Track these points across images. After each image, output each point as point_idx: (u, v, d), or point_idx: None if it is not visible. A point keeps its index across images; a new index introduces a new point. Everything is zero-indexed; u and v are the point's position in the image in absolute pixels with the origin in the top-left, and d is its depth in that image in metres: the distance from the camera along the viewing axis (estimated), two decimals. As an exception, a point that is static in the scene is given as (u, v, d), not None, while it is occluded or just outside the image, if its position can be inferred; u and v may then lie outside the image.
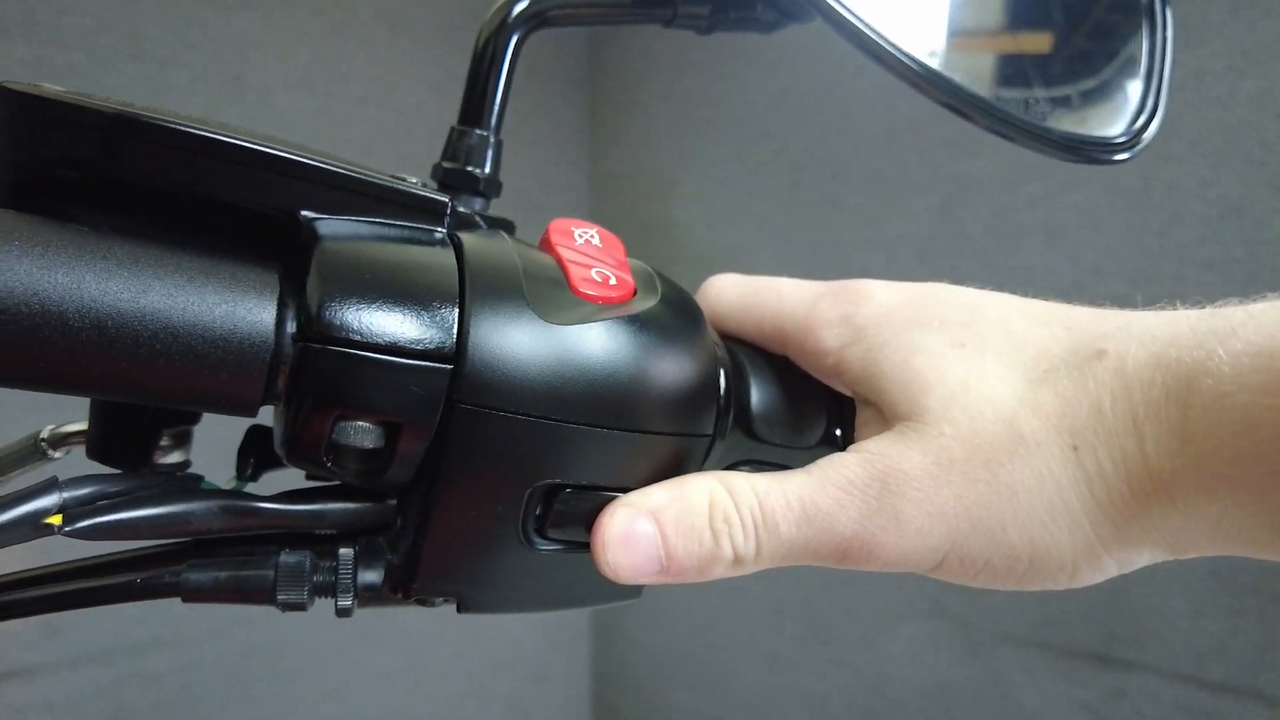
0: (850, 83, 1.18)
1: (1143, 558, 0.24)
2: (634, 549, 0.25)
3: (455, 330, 0.23)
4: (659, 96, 1.43)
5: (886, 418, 0.26)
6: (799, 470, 0.26)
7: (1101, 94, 0.36)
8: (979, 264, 1.06)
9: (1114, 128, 0.35)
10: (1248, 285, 0.87)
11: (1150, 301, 0.83)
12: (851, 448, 0.26)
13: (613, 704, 1.51)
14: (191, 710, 1.04)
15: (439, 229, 0.26)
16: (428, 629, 1.26)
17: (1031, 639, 1.02)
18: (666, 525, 0.25)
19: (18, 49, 0.92)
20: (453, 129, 0.35)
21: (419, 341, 0.23)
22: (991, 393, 0.24)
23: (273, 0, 1.11)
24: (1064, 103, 0.36)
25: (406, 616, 1.24)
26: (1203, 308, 0.24)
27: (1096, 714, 0.98)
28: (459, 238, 0.26)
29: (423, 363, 0.23)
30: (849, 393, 0.29)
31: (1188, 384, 0.21)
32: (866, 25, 0.30)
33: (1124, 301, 0.91)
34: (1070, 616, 0.99)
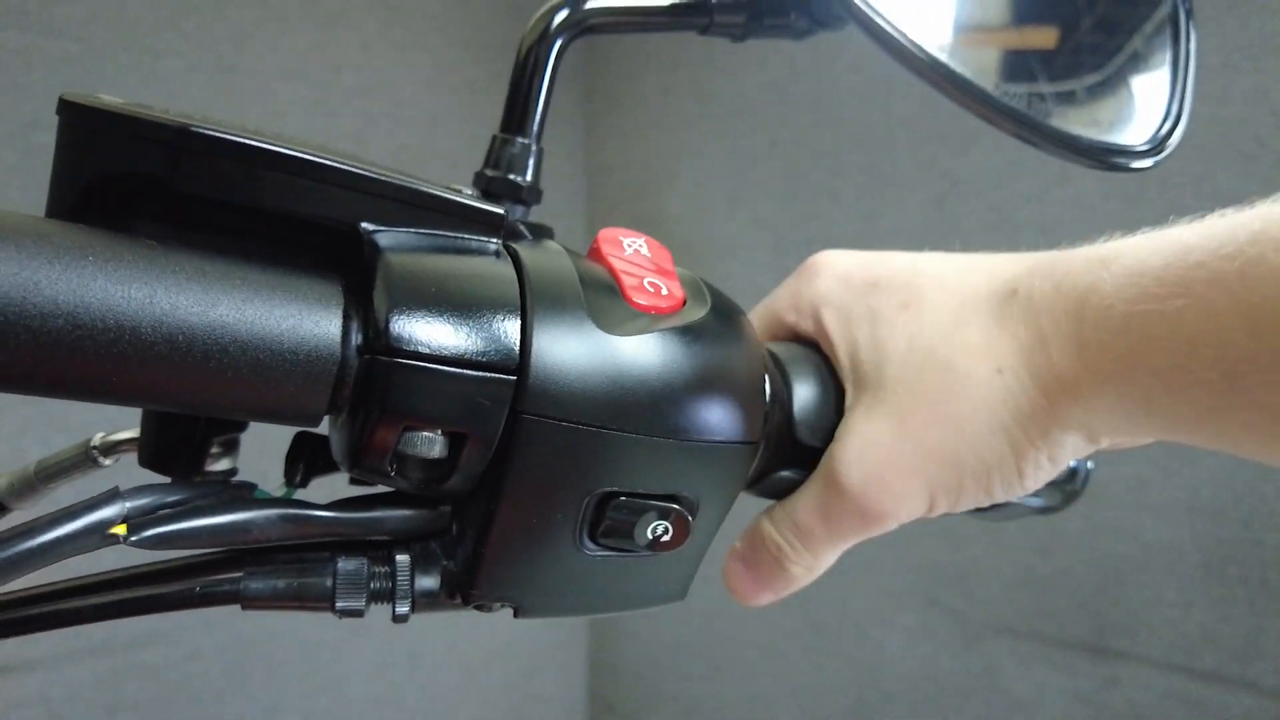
0: (845, 78, 1.18)
1: (1066, 450, 0.29)
2: (743, 585, 0.33)
3: (518, 342, 0.24)
4: (654, 90, 1.42)
5: (856, 384, 0.31)
6: (814, 477, 0.31)
7: (1128, 103, 0.37)
8: (974, 258, 1.06)
9: (1138, 135, 0.35)
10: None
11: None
12: (836, 438, 0.30)
13: (608, 694, 1.52)
14: (189, 703, 1.04)
15: (494, 240, 0.26)
16: (423, 621, 1.27)
17: (1025, 630, 1.03)
18: (750, 564, 0.32)
19: (10, 39, 0.91)
20: (495, 137, 0.35)
21: (484, 354, 0.23)
22: (930, 342, 0.29)
23: (266, -10, 1.11)
24: (1093, 110, 0.37)
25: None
26: (1102, 245, 0.28)
27: (1089, 704, 0.99)
28: (515, 249, 0.26)
29: (488, 374, 0.23)
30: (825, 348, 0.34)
31: (1081, 303, 0.26)
32: (900, 33, 0.30)
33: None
34: (1063, 608, 1.00)
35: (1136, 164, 0.35)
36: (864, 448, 0.29)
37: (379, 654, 1.22)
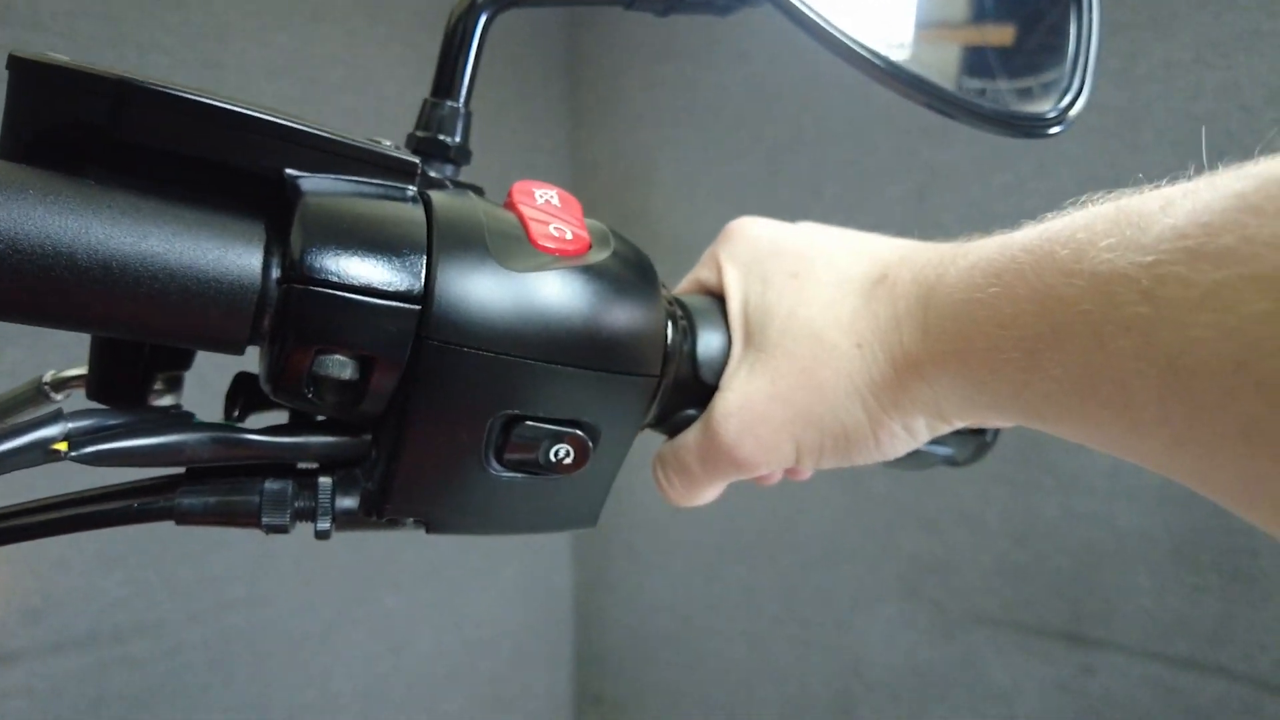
0: (826, 72, 1.19)
1: (920, 424, 0.32)
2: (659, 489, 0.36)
3: (423, 275, 0.26)
4: (638, 84, 1.43)
5: (744, 337, 0.34)
6: (698, 422, 0.34)
7: (1032, 74, 0.39)
8: (954, 252, 1.08)
9: (1044, 105, 0.37)
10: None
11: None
12: (720, 390, 0.33)
13: (595, 685, 1.52)
14: (174, 695, 1.04)
15: (410, 187, 0.28)
16: (409, 612, 1.27)
17: (1003, 619, 1.05)
18: (656, 480, 0.36)
19: (-6, 32, 0.91)
20: (425, 100, 0.37)
21: (390, 284, 0.25)
22: (808, 313, 0.32)
23: (252, -15, 1.11)
24: (1000, 80, 0.38)
25: (386, 599, 1.24)
26: (964, 242, 0.31)
27: (1066, 691, 1.00)
28: (428, 195, 0.28)
29: (394, 303, 0.25)
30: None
31: (930, 291, 0.29)
32: (810, 8, 0.32)
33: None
34: (1041, 597, 1.02)
35: (1045, 131, 0.37)
36: (741, 402, 0.32)
37: (365, 646, 1.23)
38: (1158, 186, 0.23)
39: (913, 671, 1.13)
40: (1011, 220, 1.05)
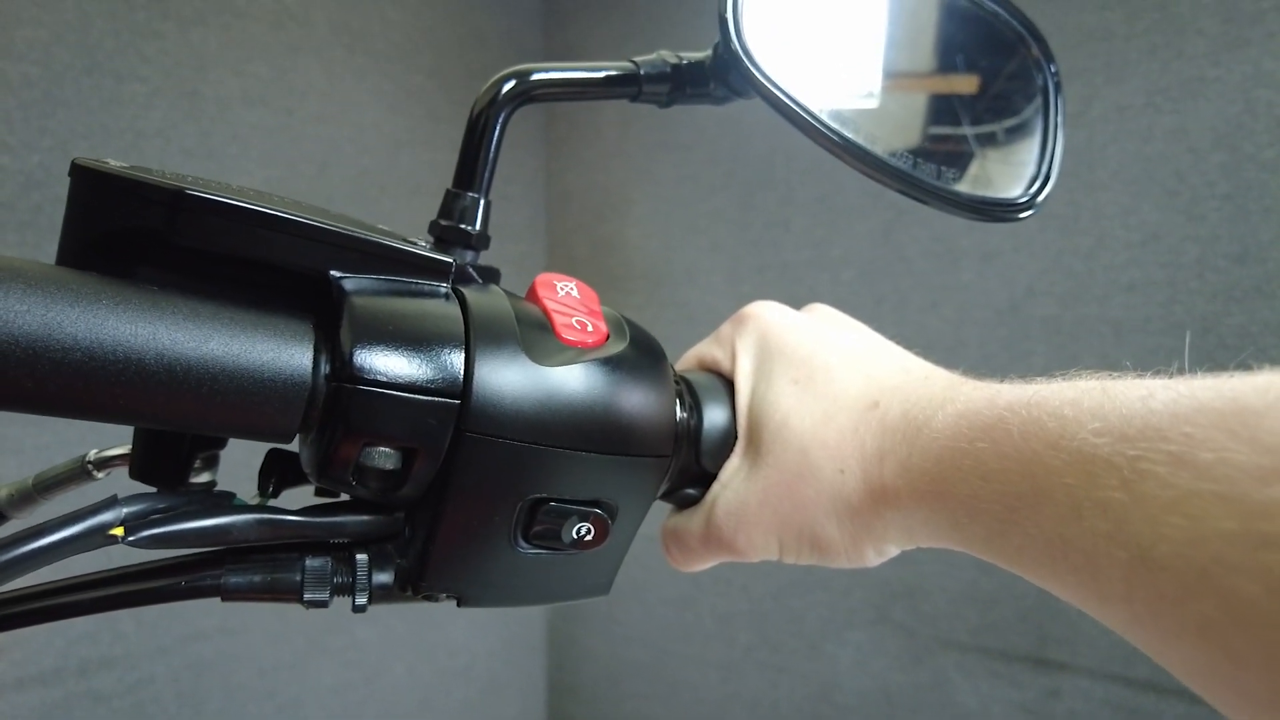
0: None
1: (890, 546, 0.34)
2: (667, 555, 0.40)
3: (462, 371, 0.28)
4: (614, 120, 1.46)
5: (742, 430, 0.36)
6: (702, 507, 0.37)
7: (1005, 164, 0.42)
8: (917, 284, 1.11)
9: (1015, 190, 0.40)
10: (1166, 308, 0.92)
11: (1078, 323, 0.89)
12: (721, 483, 0.36)
13: (568, 714, 1.52)
14: (141, 729, 1.03)
15: (444, 285, 0.30)
16: (381, 642, 1.26)
17: (971, 644, 1.07)
18: (664, 548, 0.40)
19: (-29, 61, 0.91)
20: (448, 191, 0.39)
21: (433, 381, 0.27)
22: (800, 425, 0.34)
23: (230, 15, 1.12)
24: (974, 169, 0.41)
25: (358, 630, 1.24)
26: (956, 381, 0.33)
27: (1033, 714, 1.02)
28: (463, 292, 0.30)
29: (436, 399, 0.27)
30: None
31: (916, 432, 0.31)
32: (801, 106, 0.36)
33: (1054, 323, 0.98)
34: (1007, 622, 1.04)
35: (1010, 217, 0.40)
36: (738, 504, 0.36)
37: (338, 676, 1.22)
38: (1140, 376, 0.25)
39: (883, 696, 1.15)
40: (976, 256, 1.09)
